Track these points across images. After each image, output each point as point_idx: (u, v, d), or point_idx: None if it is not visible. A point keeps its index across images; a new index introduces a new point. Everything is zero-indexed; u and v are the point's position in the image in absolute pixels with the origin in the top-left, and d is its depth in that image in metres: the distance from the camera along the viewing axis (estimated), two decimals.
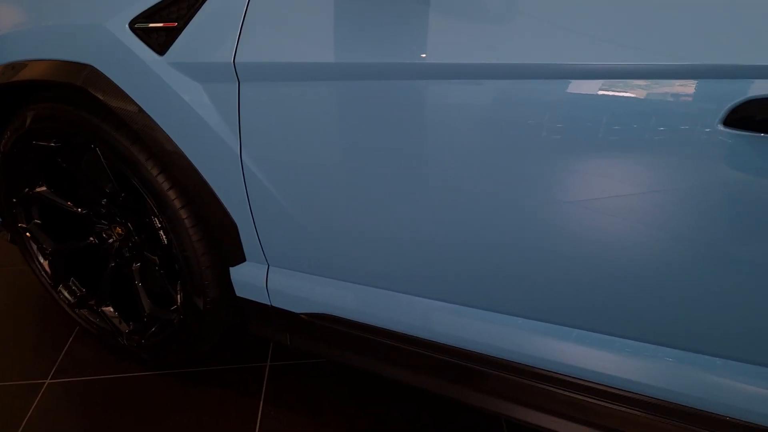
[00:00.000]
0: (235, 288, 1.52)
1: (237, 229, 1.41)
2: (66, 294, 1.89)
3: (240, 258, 1.47)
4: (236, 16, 1.21)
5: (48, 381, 1.83)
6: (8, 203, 1.82)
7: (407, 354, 1.33)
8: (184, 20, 1.27)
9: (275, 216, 1.34)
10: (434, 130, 1.10)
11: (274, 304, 1.48)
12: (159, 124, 1.36)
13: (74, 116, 1.51)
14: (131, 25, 1.32)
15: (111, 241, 1.77)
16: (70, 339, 1.99)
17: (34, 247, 1.89)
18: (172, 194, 1.47)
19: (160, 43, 1.30)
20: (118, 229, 1.73)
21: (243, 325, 1.63)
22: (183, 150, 1.36)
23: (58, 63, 1.43)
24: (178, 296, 1.63)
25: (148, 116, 1.37)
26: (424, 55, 1.04)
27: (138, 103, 1.36)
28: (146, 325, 1.76)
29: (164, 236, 1.60)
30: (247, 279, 1.48)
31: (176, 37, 1.28)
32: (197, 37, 1.26)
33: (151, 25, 1.30)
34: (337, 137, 1.19)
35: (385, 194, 1.20)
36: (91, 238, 1.79)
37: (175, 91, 1.30)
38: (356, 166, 1.20)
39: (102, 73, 1.38)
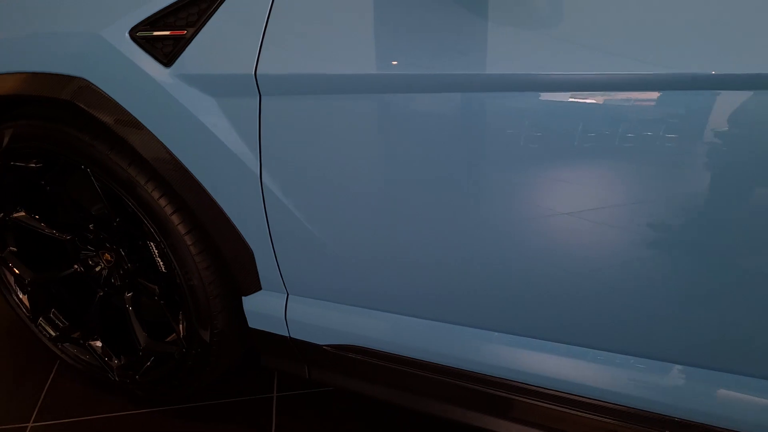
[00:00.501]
0: (248, 319, 1.38)
1: (253, 256, 1.29)
2: (47, 328, 1.72)
3: (255, 287, 1.34)
4: (257, 22, 1.09)
5: (30, 425, 1.66)
6: None
7: (441, 385, 1.23)
8: (195, 28, 1.14)
9: (299, 241, 1.22)
10: (479, 143, 1.00)
11: (293, 336, 1.35)
12: (163, 142, 1.23)
13: (61, 135, 1.35)
14: (132, 33, 1.18)
15: (98, 269, 1.61)
16: (52, 374, 1.82)
17: (10, 278, 1.71)
18: (176, 219, 1.34)
19: (166, 53, 1.16)
20: (107, 256, 1.57)
21: (250, 356, 1.50)
22: (191, 170, 1.23)
23: (43, 75, 1.28)
24: (180, 327, 1.49)
25: (150, 134, 1.23)
26: (470, 67, 0.94)
27: (139, 119, 1.22)
28: (141, 360, 1.61)
29: (161, 263, 1.47)
30: (262, 309, 1.35)
31: (185, 47, 1.15)
32: (211, 47, 1.13)
33: (156, 33, 1.17)
34: (371, 155, 1.08)
35: (424, 216, 1.09)
36: (76, 266, 1.63)
37: (184, 107, 1.17)
38: (393, 186, 1.09)
39: (95, 86, 1.23)
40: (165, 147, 1.23)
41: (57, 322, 1.73)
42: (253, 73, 1.10)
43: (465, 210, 1.05)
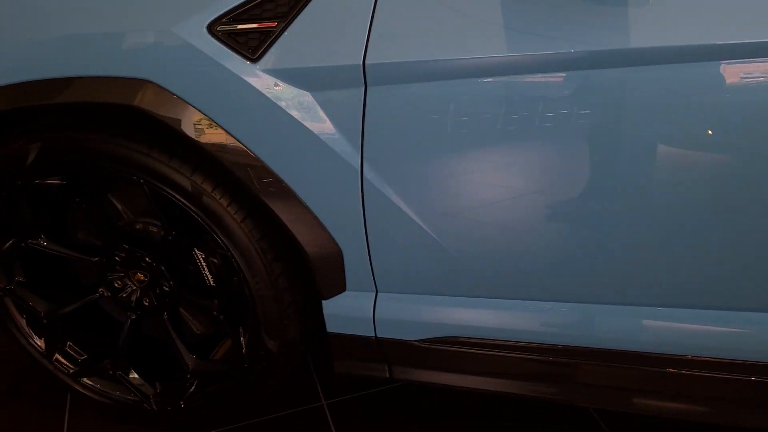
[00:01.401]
0: (327, 323, 1.33)
1: (341, 256, 1.23)
2: (65, 362, 1.56)
3: (338, 288, 1.28)
4: (364, 9, 1.05)
5: None
6: None
7: (549, 365, 1.24)
8: (287, 19, 1.08)
9: (401, 235, 1.18)
10: (616, 122, 1.02)
11: (379, 335, 1.31)
12: (243, 143, 1.15)
13: (108, 145, 1.23)
14: (211, 28, 1.10)
15: (128, 291, 1.48)
16: (67, 413, 1.64)
17: (16, 312, 1.54)
18: (247, 225, 1.26)
19: (252, 47, 1.09)
20: (140, 276, 1.45)
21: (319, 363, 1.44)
22: (276, 171, 1.16)
23: (99, 80, 1.16)
24: (242, 341, 1.40)
25: (228, 136, 1.15)
26: (624, 42, 0.96)
27: (216, 121, 1.14)
28: (185, 384, 1.50)
29: (209, 276, 1.38)
30: (346, 311, 1.30)
31: (275, 39, 1.09)
32: (307, 38, 1.08)
33: (241, 26, 1.09)
34: (490, 141, 1.07)
35: (545, 199, 1.10)
36: (101, 290, 1.49)
37: (273, 103, 1.11)
38: (511, 173, 1.09)
39: (164, 88, 1.13)
40: (246, 149, 1.15)
41: (74, 354, 1.57)
42: (361, 63, 1.05)
43: (598, 187, 1.07)
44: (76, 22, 1.16)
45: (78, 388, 1.57)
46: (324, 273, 1.26)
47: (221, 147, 1.16)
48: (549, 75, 1.01)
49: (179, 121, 1.15)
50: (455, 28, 1.02)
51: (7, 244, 1.43)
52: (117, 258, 1.43)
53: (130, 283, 1.47)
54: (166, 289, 1.44)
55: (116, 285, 1.48)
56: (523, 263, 1.17)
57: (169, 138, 1.22)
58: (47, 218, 1.44)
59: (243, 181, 1.18)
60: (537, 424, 1.55)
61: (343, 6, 1.06)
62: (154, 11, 1.12)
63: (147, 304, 1.48)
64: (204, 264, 1.40)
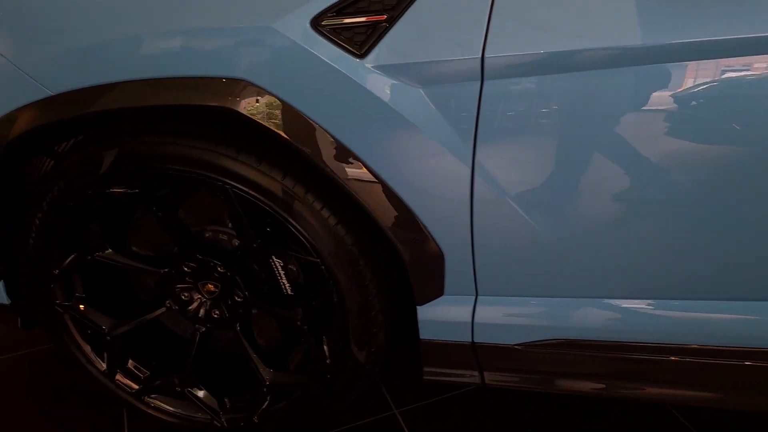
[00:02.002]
0: (421, 329, 1.27)
1: (442, 259, 1.18)
2: (127, 381, 1.48)
3: (435, 293, 1.23)
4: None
5: None
6: (42, 277, 1.37)
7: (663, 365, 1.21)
8: (397, 12, 1.03)
9: (512, 236, 1.14)
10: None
11: (477, 341, 1.26)
12: (344, 143, 1.09)
13: (192, 150, 1.16)
14: (315, 23, 1.04)
15: (197, 303, 1.41)
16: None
17: (76, 330, 1.45)
18: (340, 230, 1.20)
19: (359, 42, 1.04)
20: (210, 287, 1.38)
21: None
22: (378, 172, 1.11)
23: (187, 81, 1.09)
24: (326, 351, 1.34)
25: (328, 136, 1.09)
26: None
27: (316, 121, 1.08)
28: (259, 398, 1.43)
29: (287, 284, 1.32)
30: (443, 316, 1.25)
31: (384, 34, 1.03)
32: (419, 32, 1.03)
33: (348, 21, 1.04)
34: (617, 133, 1.03)
35: (664, 197, 1.07)
36: (169, 304, 1.41)
37: (381, 100, 1.06)
38: (635, 168, 1.05)
39: (261, 88, 1.07)
40: (346, 148, 1.10)
41: (138, 373, 1.49)
42: (480, 56, 1.01)
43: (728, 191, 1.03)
44: (166, 19, 1.09)
45: (142, 407, 1.49)
46: (422, 278, 1.21)
47: (321, 149, 1.10)
48: (675, 65, 0.98)
49: (279, 123, 1.09)
50: (578, 17, 0.98)
51: (69, 259, 1.35)
52: (186, 269, 1.36)
53: (199, 294, 1.40)
54: (238, 299, 1.37)
55: (183, 297, 1.40)
56: (637, 261, 1.13)
57: (259, 140, 1.16)
58: (114, 229, 1.36)
59: (341, 184, 1.12)
60: (608, 425, 1.53)
61: None
62: (254, 6, 1.06)
63: (217, 316, 1.41)
64: (282, 272, 1.34)
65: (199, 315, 1.42)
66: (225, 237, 1.33)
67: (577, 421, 1.54)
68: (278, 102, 1.08)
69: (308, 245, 1.20)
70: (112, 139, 1.20)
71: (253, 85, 1.07)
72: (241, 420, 1.45)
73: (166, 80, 1.11)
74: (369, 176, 1.11)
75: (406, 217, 1.14)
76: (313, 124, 1.08)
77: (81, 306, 1.41)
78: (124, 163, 1.20)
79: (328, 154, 1.10)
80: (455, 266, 1.19)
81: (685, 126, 1.00)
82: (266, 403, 1.43)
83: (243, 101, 1.08)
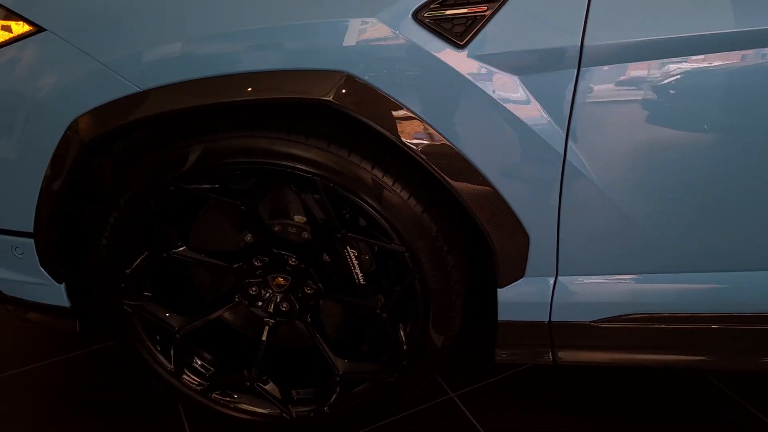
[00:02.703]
0: (500, 311, 1.32)
1: (527, 241, 1.23)
2: (194, 378, 1.47)
3: (517, 275, 1.27)
4: None
5: None
6: (114, 277, 1.35)
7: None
8: (497, 2, 1.06)
9: (595, 217, 1.19)
10: None
11: (554, 319, 1.31)
12: (440, 131, 1.13)
13: (281, 144, 1.18)
14: (417, 15, 1.07)
15: (266, 297, 1.42)
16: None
17: (142, 329, 1.44)
18: (425, 218, 1.23)
19: (459, 33, 1.07)
20: (280, 280, 1.39)
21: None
22: (471, 159, 1.15)
23: (296, 74, 1.10)
24: (402, 337, 1.36)
25: (426, 125, 1.12)
26: None
27: (414, 111, 1.11)
28: (328, 389, 1.44)
29: (360, 274, 1.35)
30: (522, 297, 1.29)
31: (484, 24, 1.07)
32: (519, 21, 1.07)
33: (450, 12, 1.07)
34: (706, 117, 1.10)
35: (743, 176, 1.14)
36: (238, 298, 1.42)
37: (478, 87, 1.09)
38: (721, 151, 1.12)
39: (362, 80, 1.09)
40: (441, 136, 1.13)
41: (202, 370, 1.49)
42: (579, 44, 1.06)
43: None
44: (266, 14, 1.10)
45: (209, 404, 1.49)
46: (507, 260, 1.25)
47: (416, 138, 1.13)
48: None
49: (374, 113, 1.11)
50: (676, 4, 1.04)
51: (141, 257, 1.34)
52: (257, 263, 1.36)
53: (269, 288, 1.41)
54: (309, 291, 1.38)
55: (252, 292, 1.41)
56: (716, 236, 1.20)
57: (350, 132, 1.18)
58: (189, 225, 1.35)
59: (435, 171, 1.15)
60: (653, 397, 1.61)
61: None
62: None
63: (285, 308, 1.42)
64: (356, 262, 1.36)
65: (269, 309, 1.42)
66: (294, 230, 1.35)
67: (632, 398, 1.61)
68: (377, 93, 1.10)
69: (394, 233, 1.23)
70: (201, 134, 1.20)
71: (352, 77, 1.09)
72: (310, 412, 1.47)
73: (264, 74, 1.12)
74: (463, 163, 1.15)
75: (496, 202, 1.18)
76: (411, 113, 1.11)
77: (150, 303, 1.40)
78: (212, 158, 1.20)
79: (422, 143, 1.13)
80: (539, 248, 1.24)
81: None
82: (336, 394, 1.44)
83: (341, 93, 1.10)
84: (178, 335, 1.41)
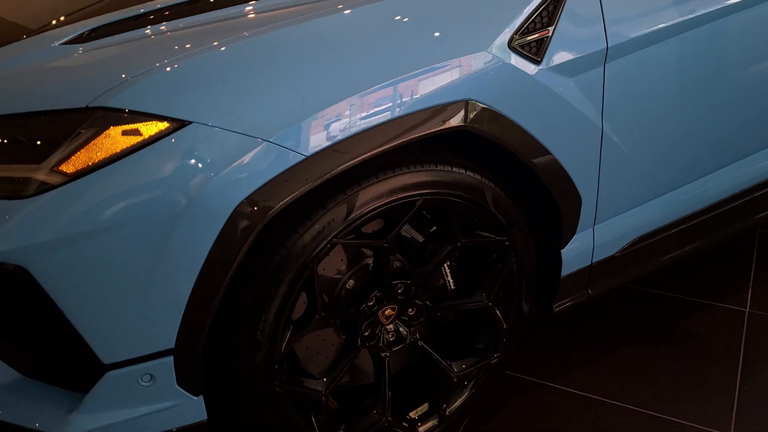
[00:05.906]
0: (564, 267, 1.65)
1: (580, 203, 1.59)
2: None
3: (572, 234, 1.63)
4: (595, 8, 1.47)
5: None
6: (269, 362, 1.32)
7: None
8: (553, 24, 1.42)
9: (620, 171, 1.61)
10: None
11: (594, 261, 1.70)
12: (529, 131, 1.43)
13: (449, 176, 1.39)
14: (509, 44, 1.37)
15: (378, 331, 1.52)
16: None
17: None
18: (518, 210, 1.52)
19: (533, 53, 1.41)
20: (388, 311, 1.51)
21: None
22: (548, 148, 1.48)
23: (432, 110, 1.30)
24: (500, 317, 1.59)
25: (520, 129, 1.42)
26: None
27: (514, 120, 1.41)
28: (442, 396, 1.59)
29: (451, 280, 1.57)
30: (576, 252, 1.64)
31: (549, 43, 1.42)
32: (569, 37, 1.44)
33: (529, 38, 1.39)
34: (697, 81, 1.63)
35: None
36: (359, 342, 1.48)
37: (553, 92, 1.44)
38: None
39: (482, 104, 1.35)
40: (531, 135, 1.44)
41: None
42: (605, 47, 1.47)
43: None
44: (403, 66, 1.29)
45: None
46: (569, 223, 1.60)
47: (517, 140, 1.41)
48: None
49: (493, 128, 1.37)
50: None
51: (289, 333, 1.34)
52: (370, 302, 1.46)
53: (379, 323, 1.50)
54: (412, 312, 1.52)
55: (365, 334, 1.49)
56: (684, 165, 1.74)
57: (464, 148, 1.41)
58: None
59: (528, 163, 1.45)
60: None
61: (582, 9, 1.45)
62: (471, 40, 1.33)
63: (392, 338, 1.53)
64: (447, 270, 1.56)
65: (381, 343, 1.51)
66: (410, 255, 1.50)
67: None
68: (491, 111, 1.36)
69: (503, 230, 1.48)
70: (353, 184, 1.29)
71: (474, 102, 1.33)
72: (436, 423, 1.59)
73: (408, 116, 1.28)
74: (545, 153, 1.46)
75: (565, 178, 1.52)
76: (515, 122, 1.39)
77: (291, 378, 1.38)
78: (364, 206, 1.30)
79: (523, 144, 1.42)
80: (587, 207, 1.61)
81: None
82: (452, 398, 1.60)
83: (473, 117, 1.33)
84: (323, 397, 1.42)
